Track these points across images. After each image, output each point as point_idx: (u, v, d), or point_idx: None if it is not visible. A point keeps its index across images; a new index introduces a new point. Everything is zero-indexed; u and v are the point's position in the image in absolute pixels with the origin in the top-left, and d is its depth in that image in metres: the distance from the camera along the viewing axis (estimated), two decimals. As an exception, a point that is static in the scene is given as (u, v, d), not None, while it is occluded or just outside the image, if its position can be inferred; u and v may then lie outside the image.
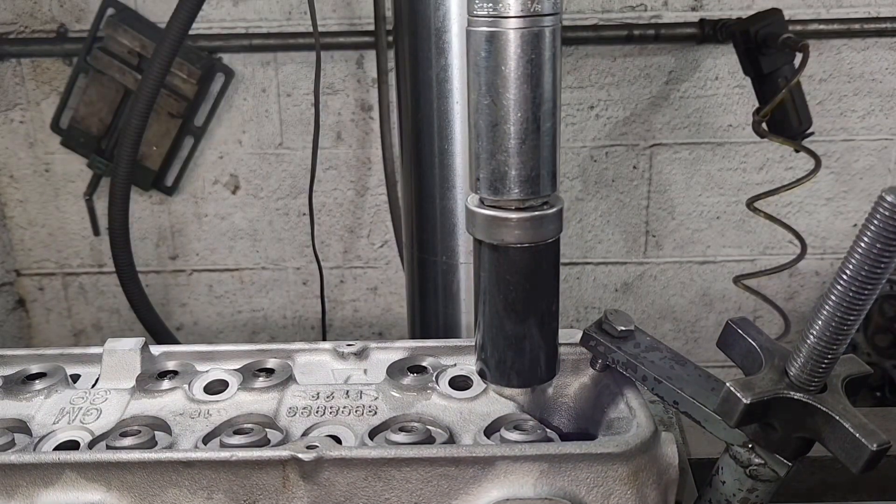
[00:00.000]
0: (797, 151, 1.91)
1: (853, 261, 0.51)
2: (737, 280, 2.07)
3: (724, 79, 2.06)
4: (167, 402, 0.69)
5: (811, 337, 0.54)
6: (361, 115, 2.11)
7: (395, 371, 0.72)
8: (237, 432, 0.64)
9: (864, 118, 2.11)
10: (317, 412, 0.68)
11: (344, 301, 2.27)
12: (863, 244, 0.50)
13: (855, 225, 2.17)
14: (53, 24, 2.03)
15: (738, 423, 0.56)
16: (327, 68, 2.03)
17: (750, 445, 0.61)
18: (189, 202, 2.17)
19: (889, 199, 0.48)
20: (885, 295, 2.07)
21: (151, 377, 0.72)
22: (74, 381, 0.74)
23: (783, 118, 1.79)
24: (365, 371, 0.75)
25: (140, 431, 0.64)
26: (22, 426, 0.67)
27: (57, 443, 0.65)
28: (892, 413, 1.21)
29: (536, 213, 0.61)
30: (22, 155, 2.13)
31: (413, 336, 1.20)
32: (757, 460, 0.61)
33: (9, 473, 0.59)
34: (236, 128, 2.11)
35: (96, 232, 2.18)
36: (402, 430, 0.64)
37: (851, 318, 0.52)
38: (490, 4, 0.58)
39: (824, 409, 0.55)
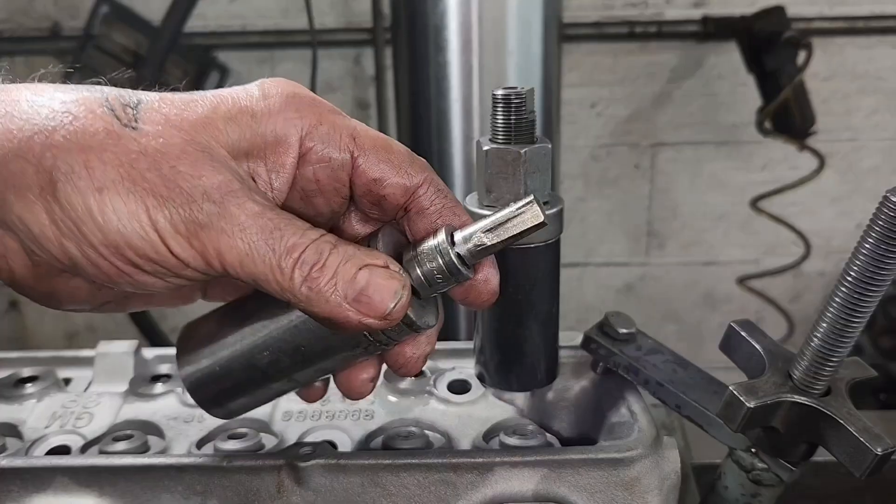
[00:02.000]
0: (801, 150, 1.90)
1: (857, 262, 0.50)
2: (741, 281, 2.06)
3: (727, 77, 2.05)
4: (160, 406, 0.69)
5: (815, 339, 0.54)
6: (359, 114, 2.11)
7: (393, 374, 0.71)
8: (231, 437, 0.63)
9: (869, 117, 2.10)
10: (312, 416, 0.67)
11: (344, 301, 2.27)
12: (867, 245, 0.49)
13: (859, 225, 2.16)
14: (47, 21, 2.03)
15: (741, 428, 0.56)
16: (324, 66, 2.02)
17: (753, 450, 0.61)
18: (188, 202, 2.16)
19: (894, 198, 0.47)
20: (890, 297, 2.06)
21: (144, 380, 0.71)
22: (66, 385, 0.74)
23: (787, 116, 1.78)
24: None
25: (133, 436, 0.63)
26: (13, 430, 0.67)
27: (49, 447, 0.65)
28: (896, 415, 1.20)
29: (535, 213, 0.60)
30: (20, 154, 2.12)
31: (412, 337, 1.19)
32: (760, 465, 0.60)
33: (0, 478, 0.58)
34: (235, 127, 2.11)
35: (95, 232, 2.17)
36: (399, 435, 0.63)
37: (856, 320, 0.52)
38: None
39: (828, 412, 0.54)
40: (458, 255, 0.49)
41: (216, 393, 0.55)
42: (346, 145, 0.50)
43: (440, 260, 0.48)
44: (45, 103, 0.45)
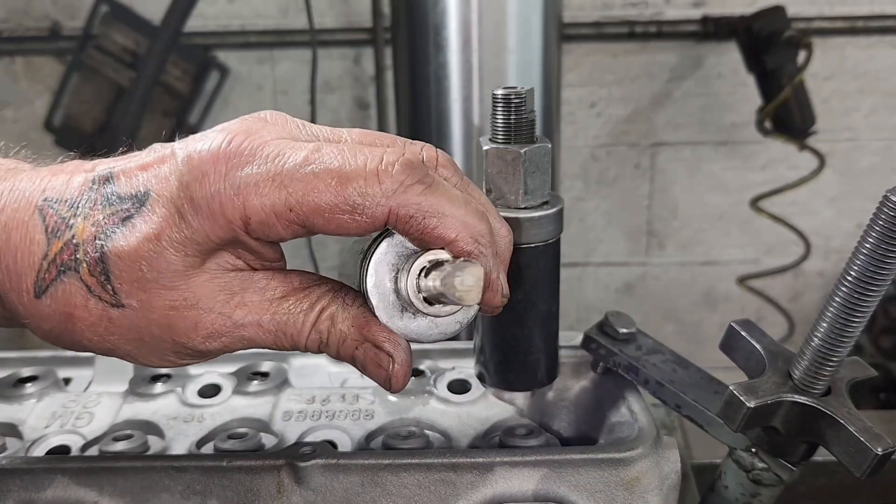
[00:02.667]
0: (801, 150, 1.90)
1: (857, 262, 0.50)
2: (741, 281, 2.06)
3: (726, 76, 2.05)
4: (160, 405, 0.69)
5: (815, 339, 0.54)
6: (359, 113, 2.10)
7: (393, 374, 0.71)
8: (231, 437, 0.63)
9: (869, 116, 2.10)
10: (312, 416, 0.67)
11: (344, 301, 2.26)
12: (867, 245, 0.49)
13: (859, 225, 2.16)
14: (47, 21, 2.02)
15: (741, 427, 0.56)
16: (324, 66, 2.02)
17: (753, 449, 0.61)
18: (188, 201, 2.16)
19: (894, 198, 0.47)
20: (891, 296, 2.06)
21: (144, 380, 0.71)
22: (66, 385, 0.73)
23: (787, 116, 1.78)
24: (361, 374, 0.74)
25: (133, 436, 0.63)
26: (13, 430, 0.67)
27: (49, 447, 0.65)
28: (896, 415, 1.20)
29: (536, 213, 0.60)
30: (18, 154, 2.12)
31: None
32: (760, 464, 0.60)
33: (0, 478, 0.58)
34: (234, 126, 2.11)
35: (94, 232, 2.17)
36: (399, 434, 0.63)
37: (856, 319, 0.51)
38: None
39: (828, 412, 0.54)
40: (424, 300, 0.48)
41: None
42: (288, 222, 0.46)
43: (407, 297, 0.48)
44: (44, 309, 0.48)
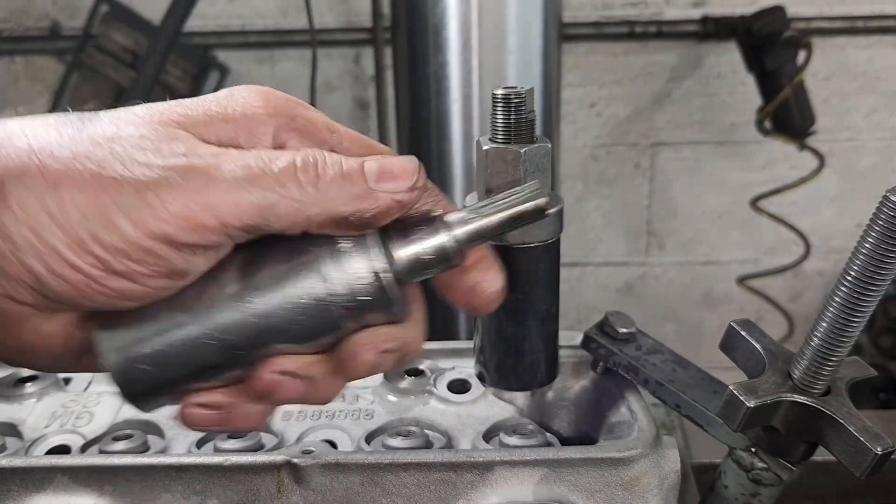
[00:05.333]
0: (801, 150, 1.90)
1: (857, 261, 0.50)
2: (740, 281, 2.06)
3: (726, 76, 2.05)
4: (160, 405, 0.69)
5: (815, 339, 0.54)
6: (359, 113, 2.11)
7: (392, 374, 0.71)
8: (231, 436, 0.63)
9: (869, 116, 2.10)
10: (312, 416, 0.67)
11: (344, 301, 2.26)
12: (867, 245, 0.49)
13: (859, 225, 2.16)
14: (47, 21, 2.02)
15: (741, 427, 0.56)
16: (324, 66, 2.02)
17: (753, 449, 0.61)
18: (188, 201, 2.16)
19: (894, 198, 0.47)
20: (890, 296, 2.06)
21: (145, 380, 0.71)
22: (66, 384, 0.73)
23: (787, 116, 1.78)
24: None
25: (133, 435, 0.63)
26: (13, 430, 0.67)
27: (48, 447, 0.65)
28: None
29: (535, 213, 0.60)
30: (19, 154, 2.12)
31: (412, 337, 1.19)
32: (760, 464, 0.60)
33: (0, 478, 0.58)
34: (234, 126, 2.11)
35: (94, 231, 2.17)
36: (398, 434, 0.63)
37: (855, 319, 0.51)
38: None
39: (828, 412, 0.54)
40: (454, 238, 0.46)
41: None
42: (324, 138, 0.46)
43: (432, 240, 0.46)
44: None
